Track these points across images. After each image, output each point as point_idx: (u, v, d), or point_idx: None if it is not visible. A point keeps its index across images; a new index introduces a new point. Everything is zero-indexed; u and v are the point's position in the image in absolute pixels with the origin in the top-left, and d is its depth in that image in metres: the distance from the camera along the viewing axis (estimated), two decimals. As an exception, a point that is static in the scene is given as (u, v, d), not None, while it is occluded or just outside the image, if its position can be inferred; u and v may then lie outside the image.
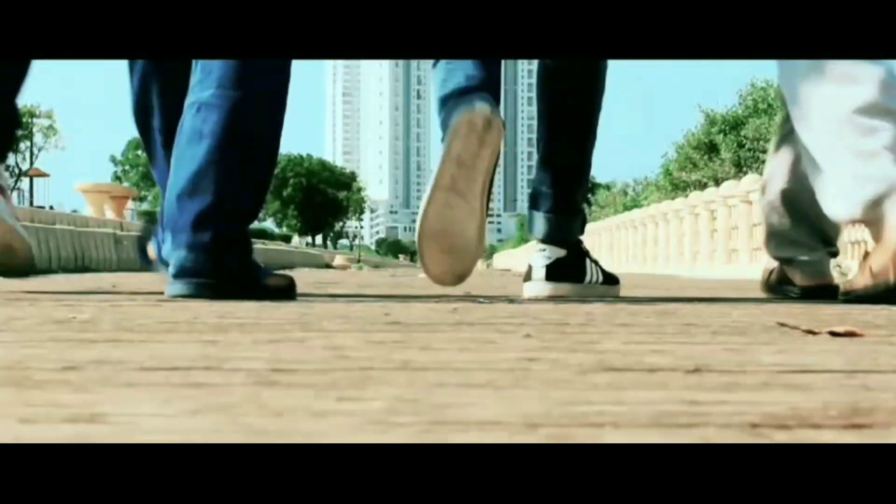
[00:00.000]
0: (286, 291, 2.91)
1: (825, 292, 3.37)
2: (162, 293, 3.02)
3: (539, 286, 3.29)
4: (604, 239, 30.57)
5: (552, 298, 3.15)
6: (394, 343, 1.51)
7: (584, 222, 3.36)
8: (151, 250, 3.61)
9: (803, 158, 3.15)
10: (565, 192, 3.30)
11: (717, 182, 27.76)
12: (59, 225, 15.53)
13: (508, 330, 1.76)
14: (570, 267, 3.31)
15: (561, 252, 3.30)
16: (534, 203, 3.36)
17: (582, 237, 3.38)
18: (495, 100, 2.93)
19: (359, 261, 64.41)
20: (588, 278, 3.35)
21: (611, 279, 3.45)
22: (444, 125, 2.91)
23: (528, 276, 3.35)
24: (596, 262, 3.41)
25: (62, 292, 3.42)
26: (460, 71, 2.95)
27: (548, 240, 3.31)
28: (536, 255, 3.35)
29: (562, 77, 3.35)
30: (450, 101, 2.91)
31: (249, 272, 2.86)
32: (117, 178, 71.89)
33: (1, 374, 1.09)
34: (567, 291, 3.27)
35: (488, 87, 2.94)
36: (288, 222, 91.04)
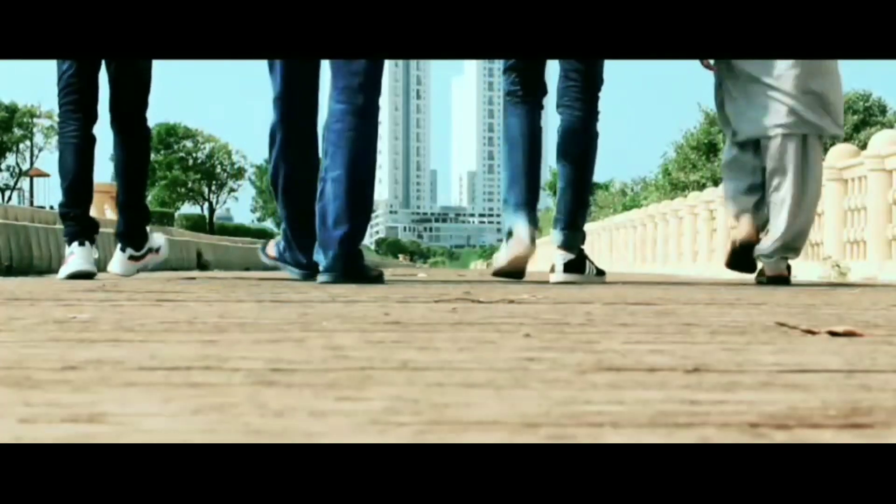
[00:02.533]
0: (380, 279, 4.65)
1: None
2: (160, 291, 3.21)
3: (560, 276, 5.13)
4: (603, 239, 30.55)
5: (568, 283, 4.90)
6: (393, 343, 1.51)
7: (584, 236, 5.30)
8: (271, 250, 5.27)
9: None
10: (575, 218, 5.21)
11: (717, 182, 27.76)
12: (59, 225, 15.53)
13: (508, 330, 1.76)
14: (577, 264, 5.21)
15: (572, 255, 5.19)
16: (554, 224, 5.27)
17: (583, 245, 5.27)
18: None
19: (358, 261, 64.29)
20: (587, 272, 5.24)
21: (601, 272, 5.37)
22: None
23: (552, 270, 5.19)
24: (592, 262, 5.35)
25: (62, 292, 3.42)
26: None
27: (564, 247, 5.21)
28: (557, 256, 5.22)
29: (574, 142, 5.10)
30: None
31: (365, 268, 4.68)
32: (117, 177, 71.93)
33: (1, 374, 1.09)
34: (576, 279, 5.10)
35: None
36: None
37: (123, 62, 4.82)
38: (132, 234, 5.23)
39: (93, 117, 4.99)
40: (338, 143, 4.53)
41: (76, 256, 4.95)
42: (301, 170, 4.90)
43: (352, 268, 4.51)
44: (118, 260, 5.27)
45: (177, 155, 70.21)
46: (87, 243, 4.97)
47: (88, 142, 4.97)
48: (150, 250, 5.36)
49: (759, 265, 5.17)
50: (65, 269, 4.98)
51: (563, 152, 5.15)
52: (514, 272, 5.02)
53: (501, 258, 5.09)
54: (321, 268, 4.54)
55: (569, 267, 5.14)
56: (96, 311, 2.30)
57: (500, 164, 5.52)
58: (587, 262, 5.25)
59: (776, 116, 4.83)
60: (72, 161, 4.94)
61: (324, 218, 4.53)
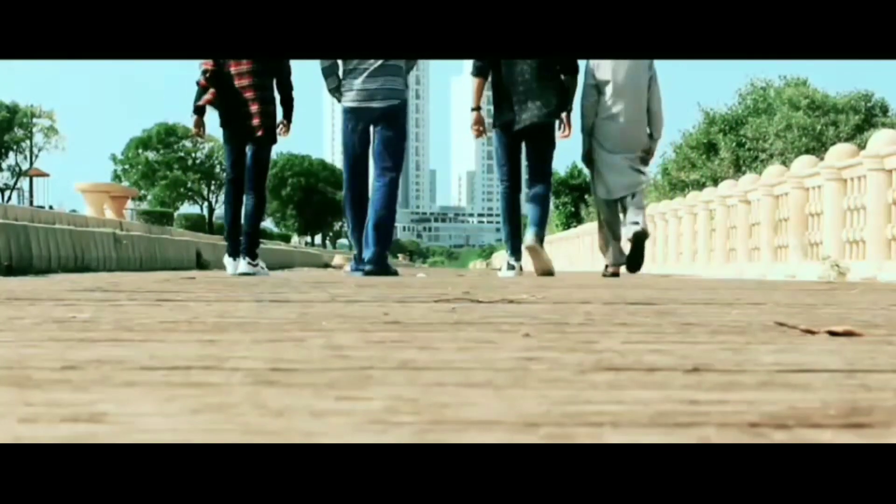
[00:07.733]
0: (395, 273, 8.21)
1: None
2: (160, 291, 3.31)
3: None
4: (603, 238, 30.51)
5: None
6: (393, 343, 1.51)
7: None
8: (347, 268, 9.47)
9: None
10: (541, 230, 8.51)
11: (716, 182, 27.72)
12: (58, 225, 15.55)
13: (508, 330, 1.76)
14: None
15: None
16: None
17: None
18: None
19: (358, 260, 64.30)
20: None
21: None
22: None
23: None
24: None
25: (62, 292, 3.42)
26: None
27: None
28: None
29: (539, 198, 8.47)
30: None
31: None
32: (117, 177, 71.45)
33: (1, 374, 1.09)
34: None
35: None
36: (286, 222, 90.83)
37: (258, 157, 8.41)
38: (251, 251, 8.65)
39: (241, 188, 8.64)
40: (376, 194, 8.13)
41: (231, 265, 8.61)
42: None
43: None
44: (242, 264, 8.60)
45: (176, 155, 70.15)
46: (237, 258, 8.65)
47: (238, 202, 8.69)
48: (258, 264, 8.72)
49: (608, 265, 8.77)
50: (230, 271, 8.55)
51: (530, 218, 8.37)
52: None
53: (508, 275, 8.14)
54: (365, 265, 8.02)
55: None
56: (96, 310, 2.30)
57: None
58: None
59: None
60: (230, 213, 8.75)
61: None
